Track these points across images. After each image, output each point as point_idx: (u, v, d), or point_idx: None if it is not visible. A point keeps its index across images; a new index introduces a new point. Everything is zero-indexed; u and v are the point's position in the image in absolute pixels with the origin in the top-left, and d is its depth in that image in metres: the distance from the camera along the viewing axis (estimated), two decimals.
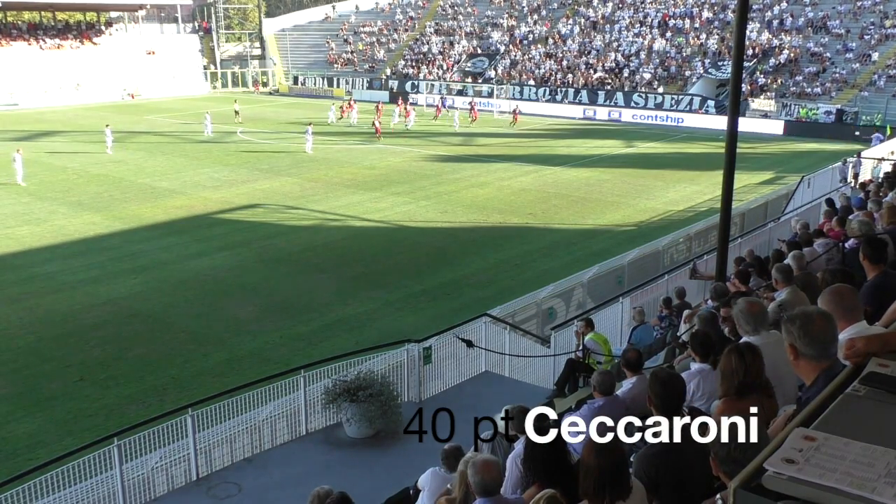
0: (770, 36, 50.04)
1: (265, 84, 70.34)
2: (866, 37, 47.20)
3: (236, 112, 46.96)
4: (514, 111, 46.66)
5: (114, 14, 70.19)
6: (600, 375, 6.35)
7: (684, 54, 52.04)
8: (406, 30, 68.69)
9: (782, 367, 4.50)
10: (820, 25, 49.57)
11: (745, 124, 38.34)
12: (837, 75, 45.31)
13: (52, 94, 57.86)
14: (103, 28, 68.28)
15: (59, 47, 62.96)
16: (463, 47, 62.60)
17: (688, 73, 50.13)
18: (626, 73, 51.95)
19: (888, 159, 24.51)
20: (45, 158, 34.51)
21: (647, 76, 50.76)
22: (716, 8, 55.24)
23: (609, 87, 51.17)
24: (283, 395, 9.92)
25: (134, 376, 13.50)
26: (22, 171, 28.80)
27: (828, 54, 47.03)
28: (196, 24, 74.71)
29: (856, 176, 25.29)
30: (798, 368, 2.95)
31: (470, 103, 48.13)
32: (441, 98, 53.28)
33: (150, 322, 15.98)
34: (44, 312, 16.44)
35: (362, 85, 62.43)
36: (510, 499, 4.66)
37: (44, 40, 62.85)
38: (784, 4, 52.71)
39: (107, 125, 36.42)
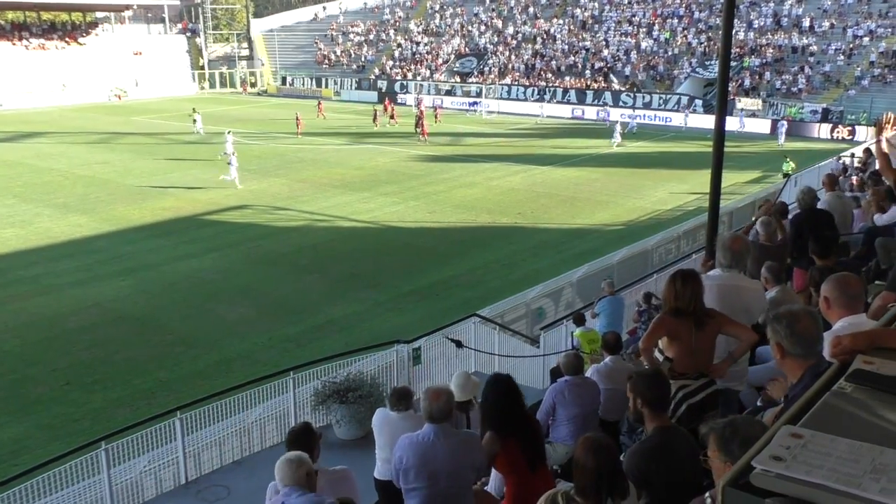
0: (756, 35, 50.37)
1: (253, 85, 70.06)
2: (851, 36, 47.60)
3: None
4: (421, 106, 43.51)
5: (100, 14, 69.69)
6: (566, 357, 6.84)
7: (671, 54, 52.32)
8: (394, 30, 68.64)
9: (736, 308, 5.12)
10: (806, 24, 49.94)
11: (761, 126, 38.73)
12: (823, 74, 45.65)
13: (38, 94, 57.34)
14: (89, 28, 67.80)
15: (44, 47, 62.41)
16: (451, 47, 62.62)
17: (675, 72, 50.42)
18: (614, 71, 52.14)
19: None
20: (29, 160, 34.24)
21: (622, 80, 50.87)
22: (703, 7, 55.57)
23: (597, 87, 51.34)
24: (272, 397, 9.87)
25: (121, 380, 13.41)
26: None
27: (813, 53, 47.39)
28: (180, 25, 74.35)
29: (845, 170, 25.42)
30: (784, 367, 2.98)
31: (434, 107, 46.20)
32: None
33: (138, 325, 15.88)
34: (29, 316, 16.29)
35: (351, 85, 62.27)
36: (460, 431, 4.96)
37: (29, 40, 62.31)
38: (771, 4, 53.08)
39: (195, 111, 40.71)
